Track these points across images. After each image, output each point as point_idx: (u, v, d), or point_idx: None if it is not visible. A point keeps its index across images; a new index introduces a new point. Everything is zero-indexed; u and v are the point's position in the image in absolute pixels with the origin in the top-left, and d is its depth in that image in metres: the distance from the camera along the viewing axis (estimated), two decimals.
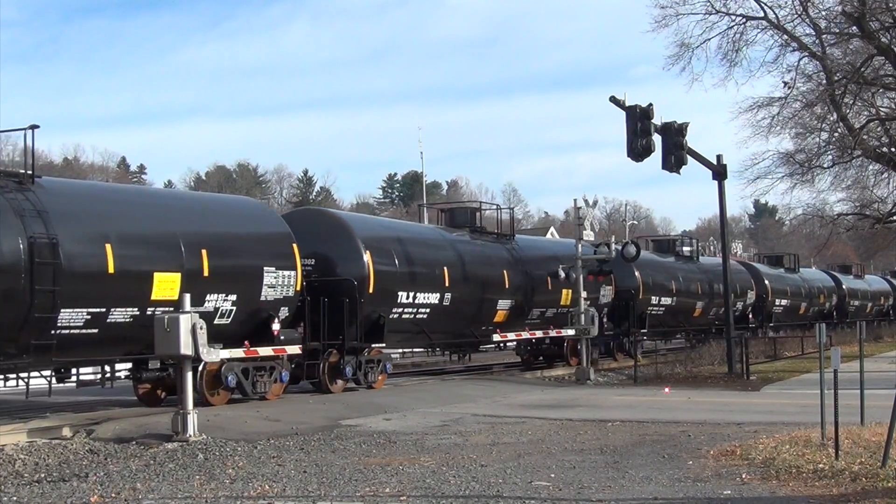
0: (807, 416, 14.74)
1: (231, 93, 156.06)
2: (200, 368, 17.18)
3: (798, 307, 48.45)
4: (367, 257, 21.44)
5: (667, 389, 22.83)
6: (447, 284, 24.04)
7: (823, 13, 28.43)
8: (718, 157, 27.83)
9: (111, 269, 15.89)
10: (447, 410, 18.66)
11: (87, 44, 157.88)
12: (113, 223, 16.50)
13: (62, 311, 14.98)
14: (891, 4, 26.35)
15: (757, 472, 10.88)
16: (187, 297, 14.93)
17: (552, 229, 79.54)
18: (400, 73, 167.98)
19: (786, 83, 28.99)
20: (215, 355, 16.23)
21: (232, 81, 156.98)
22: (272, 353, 19.06)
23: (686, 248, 39.60)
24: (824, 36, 28.32)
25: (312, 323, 20.39)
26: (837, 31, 28.01)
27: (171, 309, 15.45)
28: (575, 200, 29.25)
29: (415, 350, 32.52)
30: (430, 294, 23.51)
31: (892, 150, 30.38)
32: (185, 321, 14.55)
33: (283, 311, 19.53)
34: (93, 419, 16.20)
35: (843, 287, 54.69)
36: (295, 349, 19.51)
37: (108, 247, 15.93)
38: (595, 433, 14.94)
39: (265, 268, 19.00)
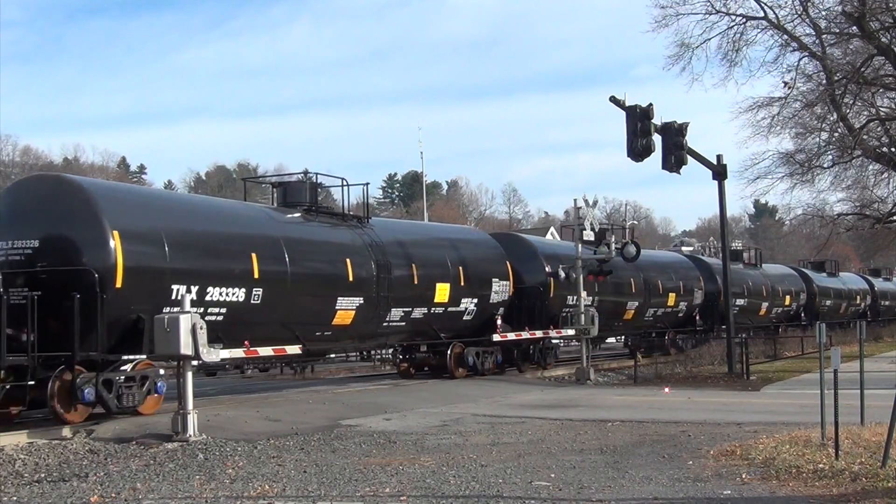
0: (807, 416, 14.73)
1: (232, 93, 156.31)
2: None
3: (839, 307, 54.08)
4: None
5: (667, 389, 22.82)
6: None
7: (823, 13, 28.48)
8: (718, 157, 27.83)
9: (416, 281, 23.57)
10: (447, 410, 18.66)
11: (89, 44, 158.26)
12: (414, 250, 24.33)
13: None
14: (891, 4, 26.36)
15: (757, 472, 10.88)
16: (187, 297, 14.94)
17: (552, 229, 79.50)
18: (401, 73, 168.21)
19: (786, 83, 29.04)
20: (215, 355, 16.21)
21: (233, 81, 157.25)
22: None
23: (745, 256, 45.50)
24: (824, 36, 28.33)
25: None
26: (837, 31, 28.01)
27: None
28: (575, 200, 29.21)
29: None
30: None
31: (892, 150, 30.39)
32: (184, 321, 14.54)
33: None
34: (93, 419, 16.20)
35: (875, 289, 61.02)
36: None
37: (413, 266, 23.63)
38: (595, 433, 14.93)
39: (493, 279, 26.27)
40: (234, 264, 18.68)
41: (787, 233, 62.38)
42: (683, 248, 59.69)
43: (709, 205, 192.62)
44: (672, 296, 36.53)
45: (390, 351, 27.02)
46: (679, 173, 26.45)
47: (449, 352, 25.07)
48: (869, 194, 35.47)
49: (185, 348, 14.53)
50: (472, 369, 25.71)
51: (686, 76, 34.53)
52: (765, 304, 44.87)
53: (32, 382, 15.10)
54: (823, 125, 29.68)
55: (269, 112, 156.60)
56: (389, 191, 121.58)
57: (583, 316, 27.54)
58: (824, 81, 28.34)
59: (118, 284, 16.13)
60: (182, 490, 10.71)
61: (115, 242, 16.22)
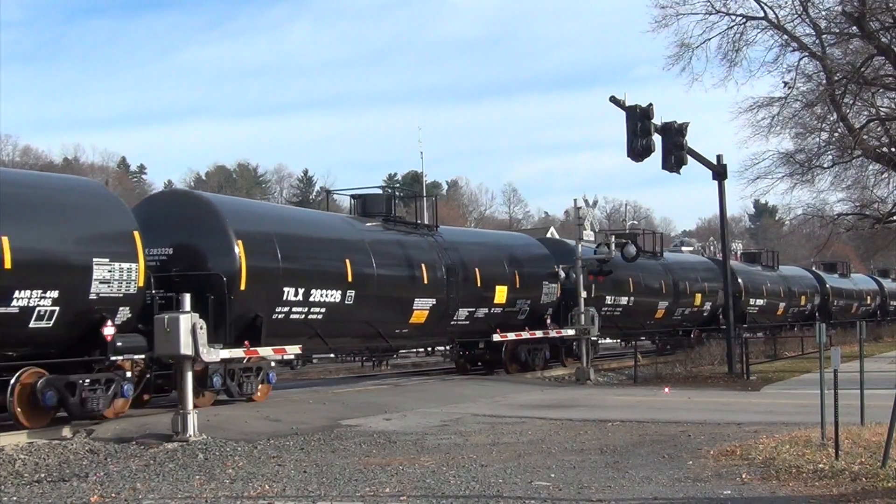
0: (807, 416, 14.73)
1: (232, 93, 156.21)
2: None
3: (851, 307, 56.07)
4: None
5: (667, 389, 22.83)
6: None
7: (823, 13, 28.44)
8: (718, 157, 27.82)
9: (479, 284, 25.97)
10: (447, 410, 18.66)
11: (90, 44, 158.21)
12: (476, 256, 26.41)
13: None
14: (891, 4, 26.34)
15: (757, 472, 10.88)
16: (187, 297, 14.92)
17: (552, 229, 79.47)
18: (401, 73, 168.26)
19: (786, 83, 29.00)
20: (215, 355, 16.21)
21: (233, 82, 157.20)
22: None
23: (763, 258, 48.59)
24: (824, 36, 28.31)
25: None
26: (837, 31, 27.99)
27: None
28: (575, 200, 29.25)
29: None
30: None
31: (892, 150, 30.36)
32: (185, 321, 14.55)
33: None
34: (93, 419, 16.20)
35: (885, 290, 62.84)
36: None
37: (476, 270, 25.94)
38: (595, 433, 14.93)
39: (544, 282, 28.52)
40: (333, 268, 21.07)
41: (787, 233, 62.37)
42: (683, 248, 59.78)
43: (709, 205, 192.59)
44: (698, 296, 38.93)
45: (448, 347, 28.64)
46: (679, 173, 26.46)
47: (504, 349, 27.32)
48: (869, 194, 35.45)
49: (185, 348, 14.53)
50: (523, 365, 27.91)
51: (686, 76, 34.49)
52: (782, 305, 46.91)
53: (172, 372, 16.57)
54: (823, 125, 29.66)
55: (269, 112, 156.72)
56: (389, 191, 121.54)
57: (583, 316, 27.57)
58: (824, 81, 28.32)
59: (242, 287, 18.42)
60: (182, 490, 10.71)
61: (239, 250, 18.53)
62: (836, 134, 29.56)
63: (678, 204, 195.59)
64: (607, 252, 28.57)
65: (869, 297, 59.94)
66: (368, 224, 23.52)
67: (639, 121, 25.00)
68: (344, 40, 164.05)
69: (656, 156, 25.62)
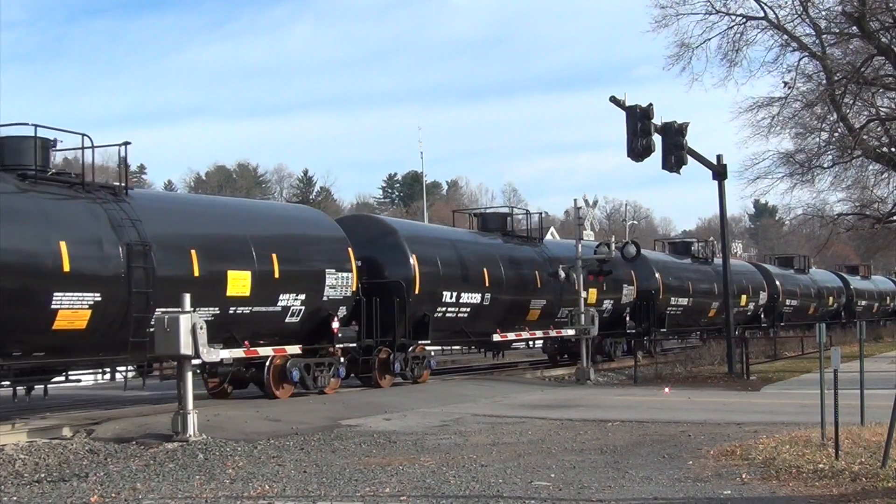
0: (807, 416, 14.73)
1: (232, 93, 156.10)
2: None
3: (872, 307, 60.84)
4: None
5: (667, 389, 22.83)
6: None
7: (823, 13, 28.48)
8: (718, 157, 27.82)
9: (576, 287, 28.56)
10: (447, 410, 18.66)
11: (91, 44, 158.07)
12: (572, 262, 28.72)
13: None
14: (891, 4, 26.35)
15: (757, 472, 10.88)
16: (187, 296, 14.90)
17: (552, 229, 79.49)
18: (402, 73, 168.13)
19: (786, 83, 29.02)
20: (215, 355, 16.22)
21: (234, 82, 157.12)
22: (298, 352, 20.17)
23: (795, 262, 53.18)
24: (824, 36, 28.32)
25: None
26: (837, 31, 28.01)
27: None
28: (575, 200, 29.34)
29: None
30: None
31: (892, 150, 30.38)
32: (185, 321, 14.53)
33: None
34: (93, 419, 16.22)
35: None
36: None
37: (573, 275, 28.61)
38: (595, 433, 14.93)
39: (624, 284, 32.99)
40: (475, 275, 25.74)
41: (787, 233, 62.46)
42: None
43: (709, 205, 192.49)
44: (744, 297, 43.10)
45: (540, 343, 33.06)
46: (679, 173, 26.46)
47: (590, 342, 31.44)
48: (869, 194, 35.50)
49: (185, 348, 14.51)
50: (606, 356, 33.43)
51: (686, 76, 34.69)
52: (813, 305, 51.91)
53: (367, 357, 22.20)
54: (823, 125, 29.69)
55: (269, 112, 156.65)
56: (389, 191, 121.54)
57: (583, 316, 27.58)
58: (824, 81, 28.33)
59: (416, 291, 23.21)
60: (182, 490, 10.71)
61: (413, 261, 23.34)
62: (836, 134, 29.58)
63: (678, 204, 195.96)
64: (607, 252, 28.59)
65: (888, 298, 65.34)
66: (491, 238, 28.32)
67: (639, 121, 25.00)
68: (345, 40, 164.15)
69: (656, 156, 25.67)
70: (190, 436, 14.33)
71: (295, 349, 19.89)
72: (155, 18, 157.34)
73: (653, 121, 25.23)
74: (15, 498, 10.56)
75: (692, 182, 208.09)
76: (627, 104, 25.21)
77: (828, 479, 10.19)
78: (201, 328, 14.70)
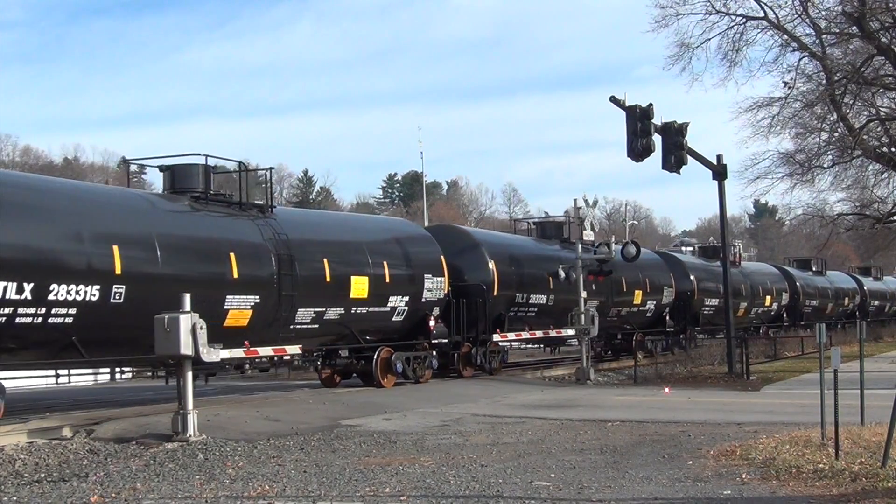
0: (807, 416, 14.74)
1: (233, 93, 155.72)
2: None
3: (884, 307, 63.71)
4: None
5: (667, 389, 22.83)
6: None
7: (823, 13, 28.46)
8: (718, 157, 27.83)
9: (624, 289, 34.17)
10: (447, 410, 18.66)
11: (92, 44, 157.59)
12: (626, 268, 32.73)
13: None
14: (891, 4, 26.35)
15: (757, 472, 10.88)
16: (187, 296, 14.89)
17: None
18: (402, 73, 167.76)
19: (786, 83, 29.02)
20: (215, 355, 16.20)
21: (234, 82, 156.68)
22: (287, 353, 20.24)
23: (813, 265, 55.00)
24: (824, 36, 28.31)
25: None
26: (837, 31, 28.00)
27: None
28: (575, 200, 29.30)
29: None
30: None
31: (892, 150, 30.37)
32: (184, 321, 14.53)
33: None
34: (93, 419, 16.20)
35: None
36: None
37: (622, 279, 33.59)
38: (595, 433, 14.94)
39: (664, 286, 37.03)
40: (541, 279, 28.67)
41: (787, 233, 62.52)
42: (683, 248, 60.07)
43: (709, 205, 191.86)
44: (768, 298, 46.51)
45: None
46: (679, 173, 26.47)
47: (634, 338, 35.19)
48: (869, 194, 35.48)
49: (185, 348, 14.51)
50: (649, 352, 35.61)
51: (686, 76, 34.52)
52: (830, 304, 54.73)
53: (455, 353, 25.44)
54: (823, 125, 29.66)
55: (269, 112, 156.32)
56: (389, 191, 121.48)
57: (583, 316, 27.58)
58: (824, 81, 28.33)
59: (495, 293, 26.22)
60: (182, 490, 10.71)
61: (492, 266, 26.45)
62: (836, 134, 29.57)
63: (678, 204, 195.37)
64: (607, 252, 28.56)
65: None
66: (549, 244, 31.51)
67: (639, 121, 25.00)
68: (345, 40, 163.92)
69: (656, 156, 25.68)
70: (190, 436, 14.33)
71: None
72: (156, 18, 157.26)
73: (653, 121, 25.23)
74: (15, 498, 10.56)
75: (692, 182, 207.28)
76: (627, 104, 25.21)
77: (828, 479, 10.19)
78: (201, 328, 14.70)
